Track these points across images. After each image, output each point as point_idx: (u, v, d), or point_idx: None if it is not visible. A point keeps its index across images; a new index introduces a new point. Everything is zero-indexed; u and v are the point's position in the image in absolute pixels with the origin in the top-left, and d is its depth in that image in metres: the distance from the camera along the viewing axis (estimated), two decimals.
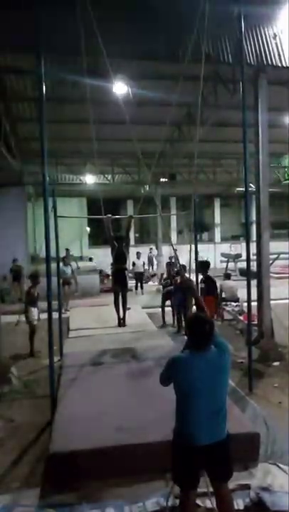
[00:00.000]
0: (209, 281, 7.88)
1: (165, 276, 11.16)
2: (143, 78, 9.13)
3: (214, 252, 22.20)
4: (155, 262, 20.39)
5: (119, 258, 8.09)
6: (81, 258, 21.25)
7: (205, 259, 11.03)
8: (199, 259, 8.51)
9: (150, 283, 17.53)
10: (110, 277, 10.31)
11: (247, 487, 3.77)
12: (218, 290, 8.16)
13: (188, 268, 7.40)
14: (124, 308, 8.66)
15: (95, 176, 18.37)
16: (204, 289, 7.69)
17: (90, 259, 20.71)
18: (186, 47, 5.93)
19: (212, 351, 2.99)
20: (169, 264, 11.14)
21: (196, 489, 3.11)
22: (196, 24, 5.66)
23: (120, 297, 8.43)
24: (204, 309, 3.63)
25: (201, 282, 7.78)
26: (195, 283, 7.27)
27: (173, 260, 11.43)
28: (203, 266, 8.18)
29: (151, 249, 20.26)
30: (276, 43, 7.33)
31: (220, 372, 3.00)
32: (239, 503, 3.56)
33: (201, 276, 7.89)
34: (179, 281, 9.64)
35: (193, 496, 3.12)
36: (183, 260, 7.01)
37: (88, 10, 5.28)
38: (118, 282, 8.37)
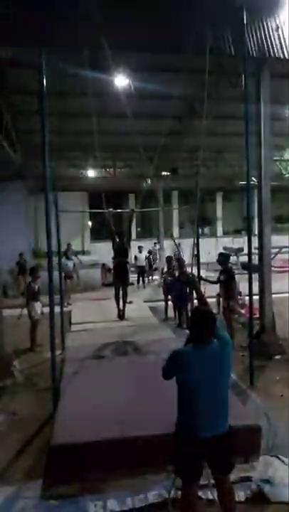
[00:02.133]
0: (228, 273, 7.95)
1: (166, 270, 11.16)
2: (144, 71, 9.06)
3: (216, 246, 22.17)
4: (158, 257, 20.37)
5: (121, 252, 8.10)
6: (83, 252, 21.27)
7: (207, 253, 11.06)
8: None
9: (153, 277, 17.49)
10: (112, 271, 10.33)
11: (248, 479, 3.80)
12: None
13: (191, 262, 7.43)
14: (124, 302, 8.69)
15: (97, 169, 18.30)
16: (224, 280, 7.82)
17: (85, 253, 20.78)
18: (189, 39, 5.88)
19: (214, 344, 3.01)
20: (170, 258, 11.14)
21: (199, 481, 3.14)
22: (199, 16, 5.61)
23: (120, 290, 8.45)
24: (206, 303, 3.64)
25: (220, 274, 7.93)
26: (196, 277, 7.30)
27: (176, 253, 11.44)
28: (224, 258, 8.26)
29: (155, 243, 20.19)
30: (278, 35, 7.26)
31: (222, 364, 3.02)
32: (240, 495, 3.59)
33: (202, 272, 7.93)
34: (177, 274, 9.67)
35: (195, 488, 3.14)
36: (186, 254, 7.03)
37: (90, 3, 5.25)
38: (119, 276, 8.38)
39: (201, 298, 3.77)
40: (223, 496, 3.17)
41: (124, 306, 8.72)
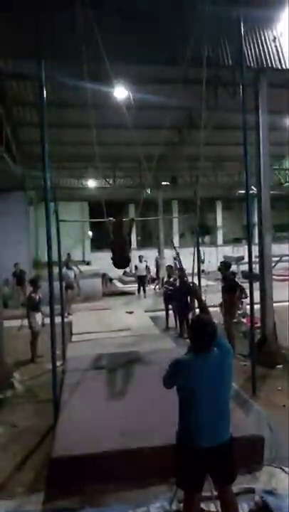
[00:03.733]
0: (230, 281, 8.05)
1: (166, 279, 11.16)
2: (143, 82, 9.16)
3: (216, 255, 22.19)
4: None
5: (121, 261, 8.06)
6: (84, 262, 21.29)
7: (207, 261, 11.13)
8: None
9: (151, 286, 17.46)
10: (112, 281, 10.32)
11: (251, 491, 3.75)
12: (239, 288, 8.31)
13: (191, 271, 7.44)
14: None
15: (97, 179, 18.42)
16: (226, 287, 7.97)
17: (88, 263, 20.79)
18: (186, 51, 5.95)
19: (215, 353, 2.99)
20: (170, 268, 11.14)
21: (201, 492, 3.10)
22: (196, 28, 5.68)
23: None
24: (208, 311, 3.64)
25: (222, 281, 8.11)
26: (198, 286, 7.31)
27: (176, 262, 11.42)
28: (225, 266, 8.47)
29: (159, 253, 20.20)
30: (276, 46, 7.35)
31: (223, 373, 3.00)
32: (244, 507, 3.54)
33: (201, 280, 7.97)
34: (178, 284, 9.66)
35: (197, 500, 3.10)
36: (186, 263, 7.04)
37: (89, 16, 5.32)
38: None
39: (203, 306, 3.76)
40: (225, 507, 3.13)
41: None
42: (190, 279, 6.75)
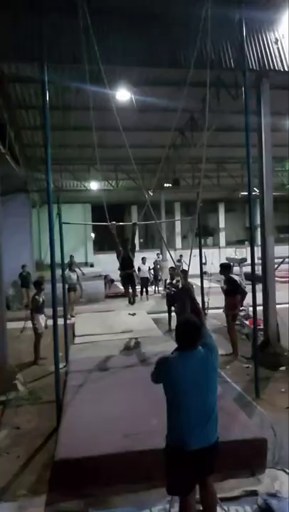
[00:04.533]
0: (231, 282, 8.04)
1: (169, 281, 11.15)
2: (146, 85, 9.19)
3: (219, 257, 22.14)
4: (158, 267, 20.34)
5: (126, 263, 8.04)
6: (87, 264, 21.32)
7: (210, 263, 11.11)
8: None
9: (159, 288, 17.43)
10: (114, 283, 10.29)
11: (254, 493, 3.74)
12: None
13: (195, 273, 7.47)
14: (134, 290, 8.70)
15: (99, 182, 18.46)
16: (227, 289, 7.99)
17: (91, 265, 20.82)
18: (189, 53, 5.97)
19: (199, 351, 3.07)
20: (173, 269, 11.12)
21: (194, 494, 3.13)
22: (198, 30, 5.70)
23: (130, 285, 8.43)
24: (200, 312, 3.71)
25: (224, 283, 8.10)
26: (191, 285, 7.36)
27: (179, 263, 11.42)
28: (225, 268, 8.46)
29: (158, 254, 20.21)
30: (278, 48, 7.35)
31: (207, 370, 3.06)
32: (247, 510, 3.54)
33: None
34: (180, 286, 9.66)
35: (191, 501, 3.11)
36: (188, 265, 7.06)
37: (91, 18, 5.34)
38: (127, 283, 8.42)
39: (195, 307, 3.80)
40: (206, 496, 3.19)
41: (134, 292, 8.72)
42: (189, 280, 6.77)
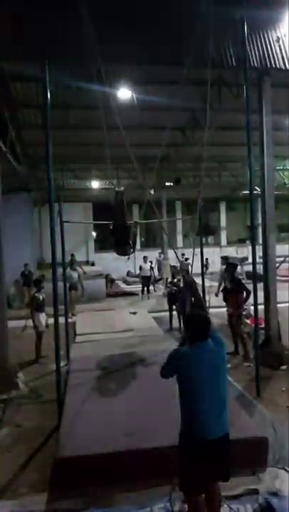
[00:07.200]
0: (236, 281, 8.08)
1: (170, 280, 11.15)
2: (147, 83, 9.17)
3: (220, 256, 22.11)
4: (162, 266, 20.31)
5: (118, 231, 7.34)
6: (88, 263, 21.31)
7: (211, 261, 11.13)
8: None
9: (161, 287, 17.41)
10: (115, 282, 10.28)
11: (255, 492, 3.74)
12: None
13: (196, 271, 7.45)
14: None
15: (100, 181, 18.45)
16: (232, 288, 7.99)
17: (92, 264, 20.81)
18: (190, 52, 5.95)
19: (210, 343, 3.12)
20: (174, 268, 11.12)
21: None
22: (199, 28, 5.68)
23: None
24: (203, 304, 3.75)
25: (229, 282, 8.12)
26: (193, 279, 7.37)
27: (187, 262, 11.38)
28: (231, 267, 8.48)
29: (160, 253, 20.20)
30: (279, 46, 7.33)
31: (219, 362, 3.12)
32: (248, 509, 3.54)
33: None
34: (183, 283, 9.66)
35: (202, 502, 3.10)
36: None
37: (91, 17, 5.34)
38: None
39: (197, 301, 3.83)
40: (211, 500, 3.16)
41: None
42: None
